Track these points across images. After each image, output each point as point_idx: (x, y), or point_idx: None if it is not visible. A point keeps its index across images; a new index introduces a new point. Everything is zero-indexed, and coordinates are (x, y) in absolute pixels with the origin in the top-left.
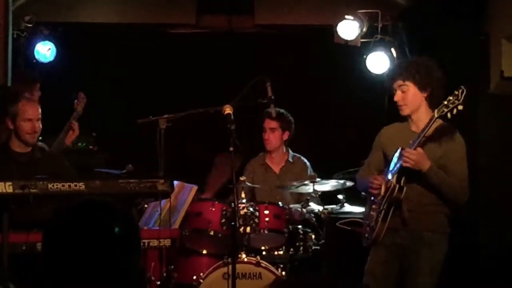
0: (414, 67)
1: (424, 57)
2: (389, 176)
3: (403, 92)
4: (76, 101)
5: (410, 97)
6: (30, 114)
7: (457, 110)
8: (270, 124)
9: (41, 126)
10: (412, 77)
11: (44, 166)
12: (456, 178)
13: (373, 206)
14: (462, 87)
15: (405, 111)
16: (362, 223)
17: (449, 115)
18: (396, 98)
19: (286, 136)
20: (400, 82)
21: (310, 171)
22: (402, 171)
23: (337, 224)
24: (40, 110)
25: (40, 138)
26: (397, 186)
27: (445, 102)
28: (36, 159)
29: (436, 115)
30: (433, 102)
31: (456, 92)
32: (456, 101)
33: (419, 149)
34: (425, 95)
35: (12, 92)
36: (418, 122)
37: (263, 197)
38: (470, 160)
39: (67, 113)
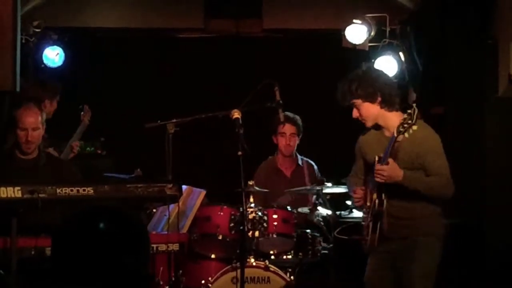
0: (353, 84)
1: (361, 69)
2: (371, 186)
3: (357, 109)
4: (82, 113)
5: (364, 112)
6: (26, 123)
7: (413, 130)
8: (291, 129)
9: (40, 134)
10: (356, 94)
11: (48, 172)
12: (436, 174)
13: (365, 216)
14: (414, 106)
15: (368, 124)
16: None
17: (406, 134)
18: (354, 116)
19: (298, 140)
20: (350, 102)
21: (318, 174)
22: (380, 184)
23: (335, 233)
24: (39, 119)
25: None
26: (377, 200)
27: (402, 121)
28: (41, 165)
29: (395, 135)
30: (391, 104)
31: (409, 111)
32: (410, 121)
33: (391, 161)
34: (378, 103)
35: (31, 95)
36: (388, 127)
37: (273, 200)
38: (478, 164)
39: (75, 118)
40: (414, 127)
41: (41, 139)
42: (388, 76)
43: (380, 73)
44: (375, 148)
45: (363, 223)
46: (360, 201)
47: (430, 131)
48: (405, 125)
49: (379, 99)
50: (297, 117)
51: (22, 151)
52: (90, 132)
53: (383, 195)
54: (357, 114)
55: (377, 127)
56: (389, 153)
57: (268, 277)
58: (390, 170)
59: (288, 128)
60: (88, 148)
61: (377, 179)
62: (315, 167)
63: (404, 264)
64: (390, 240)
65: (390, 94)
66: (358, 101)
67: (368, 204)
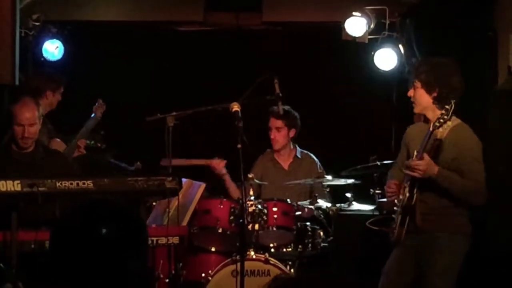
0: (423, 66)
1: (442, 59)
2: (405, 180)
3: (414, 89)
4: (95, 106)
5: (417, 96)
6: (22, 119)
7: (448, 126)
8: (275, 123)
9: (37, 129)
10: (419, 76)
11: (46, 166)
12: (470, 179)
13: (395, 208)
14: (452, 102)
15: (415, 109)
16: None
17: (441, 129)
18: (408, 94)
19: (292, 133)
20: (413, 79)
21: (319, 167)
22: (414, 179)
23: (366, 224)
24: (36, 114)
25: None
26: (408, 194)
27: (439, 116)
28: (38, 159)
29: (431, 129)
30: (443, 105)
31: (447, 107)
32: (446, 117)
33: (426, 156)
34: (433, 96)
35: (33, 86)
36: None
37: (271, 193)
38: None
39: (75, 111)
40: (449, 123)
41: (38, 133)
42: (457, 79)
43: (452, 72)
44: (417, 142)
45: (393, 215)
46: (392, 196)
47: (471, 135)
48: (441, 120)
49: (435, 94)
50: (288, 110)
51: (18, 145)
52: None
53: (415, 190)
54: (411, 94)
55: (426, 120)
56: (423, 148)
57: (268, 270)
58: (426, 165)
59: (273, 123)
60: (88, 142)
61: (413, 174)
62: (316, 160)
63: (425, 260)
64: (415, 235)
65: (448, 95)
66: (417, 83)
67: (401, 197)
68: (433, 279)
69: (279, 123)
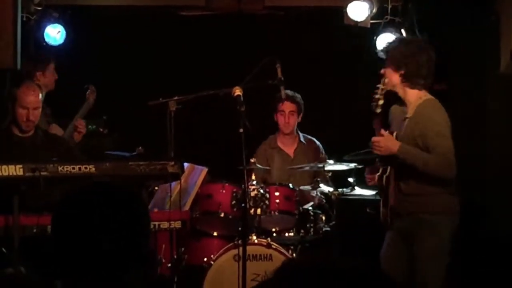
0: (393, 44)
1: (413, 37)
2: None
3: (384, 67)
4: (87, 92)
5: (386, 74)
6: (27, 102)
7: (381, 105)
8: (290, 107)
9: (39, 113)
10: (388, 53)
11: (47, 149)
12: (434, 153)
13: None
14: (382, 80)
15: (386, 86)
16: None
17: (378, 109)
18: (381, 71)
19: (299, 118)
20: (384, 57)
21: (322, 152)
22: (382, 158)
23: (367, 210)
24: (40, 97)
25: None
26: (377, 175)
27: (375, 95)
28: (39, 143)
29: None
30: (412, 82)
31: (378, 86)
32: (378, 95)
33: (384, 132)
34: (399, 74)
35: (23, 72)
36: (407, 103)
37: (276, 179)
38: (479, 140)
39: (76, 96)
40: (381, 102)
41: (41, 116)
42: (426, 57)
43: (420, 50)
44: (395, 122)
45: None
46: (371, 181)
47: (437, 110)
48: (376, 99)
49: (402, 72)
50: (297, 95)
51: (21, 129)
52: (92, 110)
53: (387, 170)
54: (383, 72)
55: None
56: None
57: (270, 255)
58: (385, 141)
59: (287, 106)
60: (90, 126)
61: (376, 151)
62: (319, 145)
63: (413, 244)
64: (400, 217)
65: (414, 73)
66: (387, 61)
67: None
68: (423, 261)
69: (293, 106)
